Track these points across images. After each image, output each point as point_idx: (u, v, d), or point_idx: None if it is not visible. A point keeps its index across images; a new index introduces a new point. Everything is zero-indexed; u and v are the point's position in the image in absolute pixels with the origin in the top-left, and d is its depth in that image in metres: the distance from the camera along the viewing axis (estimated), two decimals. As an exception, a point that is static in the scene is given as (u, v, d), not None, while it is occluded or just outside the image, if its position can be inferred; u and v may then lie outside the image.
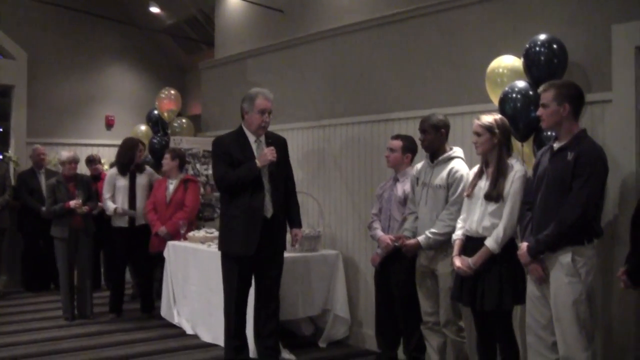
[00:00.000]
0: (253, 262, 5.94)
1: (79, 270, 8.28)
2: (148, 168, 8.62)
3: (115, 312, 8.37)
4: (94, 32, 11.87)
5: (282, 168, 6.08)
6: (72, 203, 7.99)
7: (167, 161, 8.27)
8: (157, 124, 10.15)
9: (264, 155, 5.87)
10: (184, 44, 12.39)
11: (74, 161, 8.32)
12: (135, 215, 8.21)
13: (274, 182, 5.97)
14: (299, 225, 6.29)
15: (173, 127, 9.87)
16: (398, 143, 6.06)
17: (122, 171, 8.28)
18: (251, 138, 6.02)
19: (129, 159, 8.29)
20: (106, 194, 8.22)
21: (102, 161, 10.25)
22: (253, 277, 6.10)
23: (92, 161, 9.75)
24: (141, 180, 8.36)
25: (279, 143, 6.11)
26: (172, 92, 10.09)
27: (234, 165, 5.90)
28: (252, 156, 5.93)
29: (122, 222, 8.23)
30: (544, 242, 4.39)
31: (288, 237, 6.27)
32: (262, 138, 6.05)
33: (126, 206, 8.18)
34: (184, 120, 9.95)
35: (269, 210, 5.91)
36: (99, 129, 12.08)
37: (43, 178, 9.84)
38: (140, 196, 8.29)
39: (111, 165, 9.13)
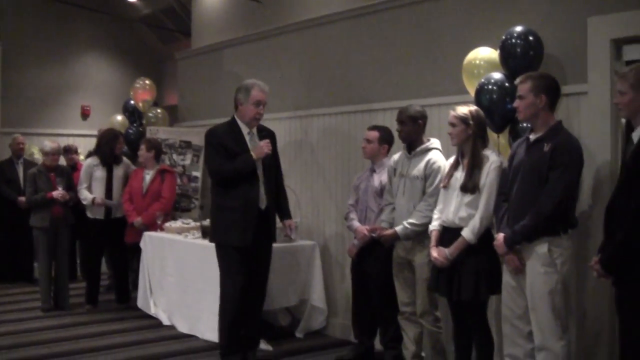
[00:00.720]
0: (248, 252, 5.92)
1: (56, 261, 8.24)
2: (125, 159, 8.58)
3: (91, 303, 8.33)
4: (70, 20, 11.79)
5: (273, 160, 6.09)
6: (56, 194, 7.97)
7: (142, 152, 8.23)
8: (134, 114, 10.09)
9: (260, 148, 5.86)
10: (160, 34, 12.34)
11: (58, 152, 8.32)
12: (114, 205, 8.17)
13: (267, 174, 5.98)
14: (290, 216, 6.31)
15: (148, 117, 9.80)
16: (375, 134, 6.06)
17: (104, 162, 8.24)
18: (244, 129, 6.00)
19: (109, 151, 8.25)
20: (83, 184, 8.18)
21: (79, 151, 10.19)
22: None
23: (68, 151, 9.69)
24: (118, 171, 8.33)
25: (269, 136, 6.11)
26: (147, 82, 10.03)
27: (228, 156, 5.88)
28: (246, 148, 5.92)
29: (98, 214, 8.20)
30: (521, 233, 4.42)
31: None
32: (255, 130, 6.05)
33: (103, 197, 8.14)
34: (159, 111, 9.88)
35: (263, 202, 5.93)
36: (75, 118, 12.02)
37: (21, 168, 9.76)
38: (117, 187, 8.26)
39: (87, 156, 9.08)
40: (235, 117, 6.05)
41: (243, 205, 5.85)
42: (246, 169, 5.83)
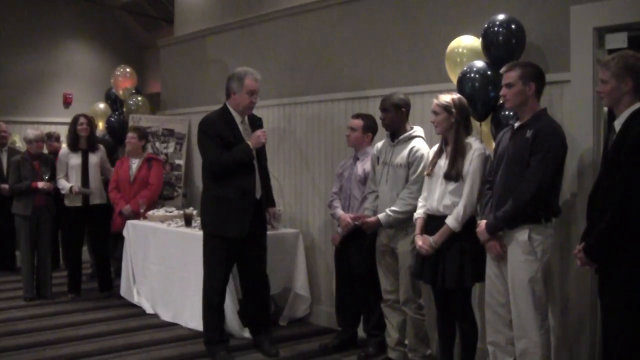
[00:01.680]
0: (239, 243, 5.93)
1: (39, 250, 8.22)
2: (101, 147, 8.52)
3: (74, 292, 8.32)
4: (51, 7, 11.71)
5: (263, 148, 6.10)
6: (41, 184, 7.96)
7: (134, 141, 8.21)
8: (116, 102, 10.04)
9: (257, 137, 5.85)
10: (143, 21, 12.27)
11: (41, 140, 8.29)
12: (91, 193, 8.15)
13: (260, 163, 6.00)
14: (274, 204, 6.36)
15: (129, 105, 9.74)
16: (359, 122, 6.06)
17: (72, 147, 8.21)
18: (237, 118, 5.96)
19: (72, 134, 8.22)
20: (59, 174, 8.14)
21: (60, 139, 10.13)
22: (238, 258, 6.10)
23: (50, 138, 9.61)
24: (93, 158, 8.29)
25: (259, 124, 6.09)
26: (128, 69, 9.99)
27: (223, 146, 5.82)
28: (240, 137, 5.89)
29: (77, 201, 8.16)
30: (502, 219, 4.44)
31: None
32: (246, 118, 6.03)
33: (79, 184, 8.11)
34: (139, 98, 9.79)
35: (258, 191, 5.95)
36: (57, 106, 11.95)
37: (5, 156, 9.68)
38: (93, 174, 8.22)
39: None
40: (228, 105, 5.98)
41: (240, 195, 5.82)
42: (245, 158, 5.81)
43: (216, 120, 5.93)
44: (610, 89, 4.01)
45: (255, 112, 6.24)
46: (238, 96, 5.89)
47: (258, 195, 5.95)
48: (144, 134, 8.41)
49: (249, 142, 5.83)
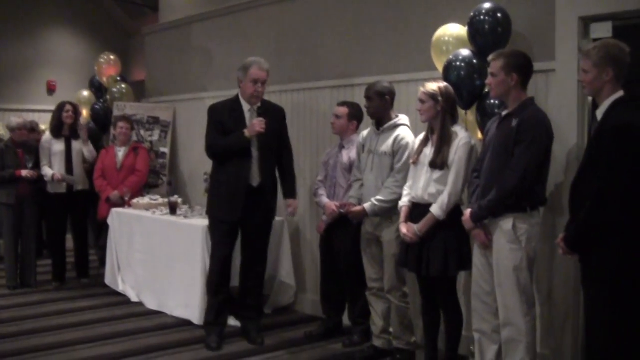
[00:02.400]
0: (240, 227, 6.11)
1: (23, 238, 8.20)
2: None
3: (58, 280, 8.29)
4: (35, -6, 11.62)
5: (274, 138, 6.11)
6: (25, 173, 7.92)
7: (125, 130, 8.21)
8: (100, 90, 9.99)
9: (252, 125, 5.89)
10: (127, 8, 12.19)
11: (24, 127, 8.24)
12: (74, 181, 8.13)
13: (264, 151, 6.01)
14: (292, 196, 6.31)
15: (112, 93, 9.68)
16: (344, 110, 6.06)
17: (55, 134, 8.19)
18: (245, 107, 6.06)
19: (56, 121, 8.22)
20: (43, 161, 8.11)
21: (43, 127, 10.07)
22: (241, 242, 6.24)
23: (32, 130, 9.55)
24: (77, 145, 8.27)
25: (273, 114, 6.14)
26: (112, 57, 9.94)
27: (225, 133, 5.99)
28: (244, 125, 5.96)
29: (60, 188, 8.15)
30: (486, 208, 4.45)
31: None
32: (255, 107, 6.07)
33: (63, 172, 8.09)
34: (123, 86, 9.73)
35: (255, 179, 5.99)
36: (41, 94, 11.85)
37: None
38: (76, 162, 8.22)
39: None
40: (239, 94, 6.11)
41: (232, 180, 5.95)
42: (237, 145, 5.91)
43: (221, 108, 6.16)
44: (592, 78, 4.02)
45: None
46: (243, 84, 6.02)
47: (255, 182, 5.99)
48: (132, 123, 8.46)
49: (245, 131, 5.88)
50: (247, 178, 5.95)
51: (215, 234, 6.15)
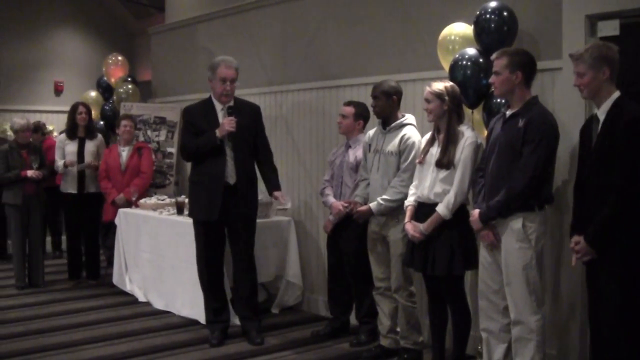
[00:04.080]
0: (222, 227, 6.10)
1: (30, 238, 8.22)
2: (99, 136, 8.56)
3: (74, 278, 8.39)
4: (42, -5, 11.64)
5: (248, 136, 6.11)
6: (30, 173, 7.95)
7: (129, 128, 8.21)
8: (107, 90, 10.02)
9: (222, 125, 5.92)
10: (133, 9, 12.20)
11: (28, 129, 8.28)
12: (84, 167, 8.19)
13: (238, 149, 6.02)
14: (276, 188, 6.25)
15: (119, 93, 9.71)
16: (350, 109, 6.05)
17: (69, 135, 8.28)
18: (218, 106, 6.09)
19: (70, 122, 8.31)
20: (58, 161, 8.21)
21: (51, 127, 10.11)
22: (227, 242, 6.24)
23: (37, 130, 9.58)
24: (90, 146, 8.32)
25: (246, 111, 6.15)
26: (119, 57, 9.99)
27: (199, 133, 6.00)
28: (217, 125, 5.98)
29: (71, 188, 8.19)
30: (495, 208, 4.44)
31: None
32: (226, 106, 6.07)
33: (75, 171, 8.14)
34: (130, 87, 9.77)
35: (231, 177, 5.99)
36: (48, 95, 11.87)
37: None
38: (88, 162, 8.23)
39: (61, 132, 9.03)
40: (211, 94, 6.13)
41: (208, 180, 5.99)
42: (208, 145, 5.93)
43: (194, 109, 6.23)
44: (589, 80, 4.05)
45: (246, 99, 6.27)
46: (213, 84, 6.07)
47: (232, 180, 5.99)
48: (136, 122, 8.47)
49: (216, 131, 5.91)
50: (222, 177, 5.96)
51: (198, 236, 6.17)
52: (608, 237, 3.97)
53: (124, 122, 8.23)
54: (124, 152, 8.18)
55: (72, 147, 8.22)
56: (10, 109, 11.13)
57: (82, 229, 8.49)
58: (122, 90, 9.68)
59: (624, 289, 3.91)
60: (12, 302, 7.54)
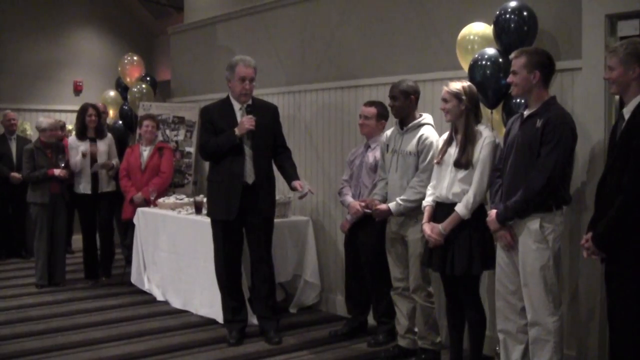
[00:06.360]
0: (240, 226, 6.12)
1: (54, 237, 8.27)
2: (109, 135, 8.58)
3: (91, 278, 8.44)
4: (61, -5, 11.70)
5: (267, 135, 6.13)
6: (58, 172, 8.00)
7: (151, 129, 8.22)
8: (126, 90, 10.06)
9: (241, 123, 5.93)
10: (152, 9, 12.24)
11: (55, 128, 8.36)
12: (98, 167, 8.24)
13: (257, 148, 6.04)
14: (296, 178, 6.19)
15: (133, 93, 9.74)
16: (373, 110, 6.02)
17: (79, 136, 8.31)
18: (236, 106, 6.11)
19: (80, 124, 8.33)
20: (72, 160, 8.24)
21: (70, 127, 10.15)
22: (245, 241, 6.25)
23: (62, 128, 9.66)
24: (101, 146, 8.36)
25: (264, 111, 6.17)
26: (135, 57, 10.00)
27: (217, 133, 6.02)
28: (235, 124, 5.99)
29: (86, 189, 8.26)
30: (513, 209, 4.42)
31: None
32: (245, 105, 6.08)
33: (88, 171, 8.22)
34: (144, 86, 9.79)
35: (250, 177, 6.00)
36: (67, 94, 11.92)
37: (14, 144, 9.72)
38: (100, 162, 8.29)
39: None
40: (229, 94, 6.14)
41: (227, 179, 6.00)
42: (227, 144, 5.94)
43: (213, 108, 6.23)
44: (617, 75, 4.02)
45: (265, 99, 6.28)
46: (232, 84, 6.08)
47: (250, 180, 6.00)
48: (158, 122, 8.51)
49: (235, 129, 5.91)
50: (241, 176, 5.97)
51: (216, 234, 6.19)
52: (616, 238, 3.95)
53: (145, 122, 8.26)
54: (145, 152, 8.21)
55: (83, 147, 8.23)
56: (30, 108, 11.20)
57: (97, 228, 8.53)
58: (135, 89, 9.70)
59: (638, 291, 3.89)
60: (32, 300, 7.59)
